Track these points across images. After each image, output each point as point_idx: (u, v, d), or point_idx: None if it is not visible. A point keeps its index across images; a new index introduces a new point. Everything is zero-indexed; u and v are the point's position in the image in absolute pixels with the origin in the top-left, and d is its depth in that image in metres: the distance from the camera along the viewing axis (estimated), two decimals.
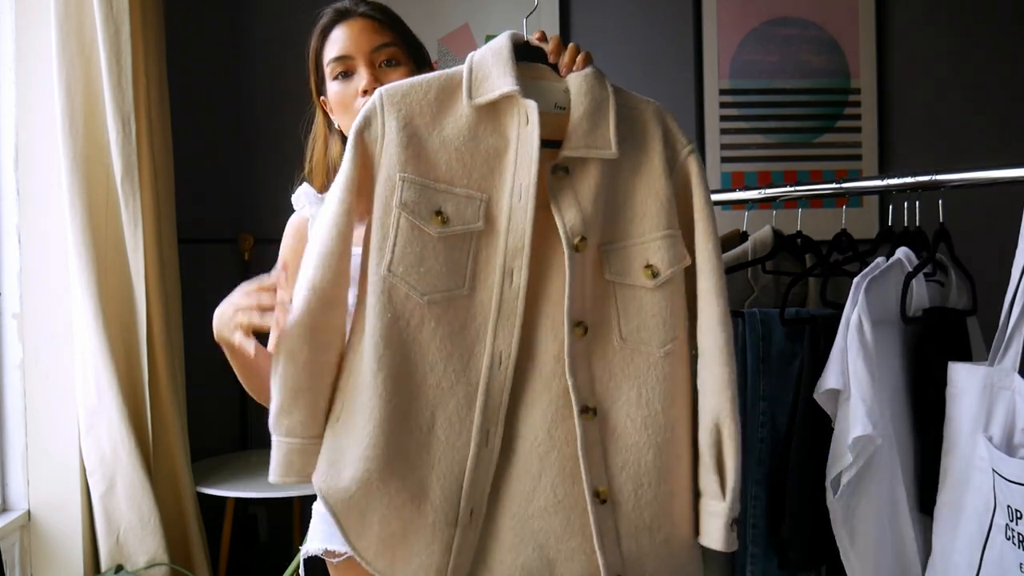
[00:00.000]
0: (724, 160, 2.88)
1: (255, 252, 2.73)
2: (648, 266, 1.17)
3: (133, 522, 2.07)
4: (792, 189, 1.64)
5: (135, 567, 2.07)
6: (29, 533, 2.08)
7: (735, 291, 1.65)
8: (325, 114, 1.44)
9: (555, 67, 1.21)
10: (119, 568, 2.04)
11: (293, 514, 2.54)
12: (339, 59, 1.37)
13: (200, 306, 2.37)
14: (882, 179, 1.40)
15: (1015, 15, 2.93)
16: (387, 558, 1.14)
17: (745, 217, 1.86)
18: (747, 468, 1.50)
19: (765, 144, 2.90)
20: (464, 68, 1.18)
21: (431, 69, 1.43)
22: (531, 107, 1.12)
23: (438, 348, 1.13)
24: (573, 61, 1.19)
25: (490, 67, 1.16)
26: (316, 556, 1.33)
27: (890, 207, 1.58)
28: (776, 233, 1.70)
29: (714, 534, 1.16)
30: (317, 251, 1.15)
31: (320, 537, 1.33)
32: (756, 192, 1.74)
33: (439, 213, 1.13)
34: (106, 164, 2.09)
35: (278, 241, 1.46)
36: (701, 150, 2.87)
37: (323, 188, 1.44)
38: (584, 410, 1.14)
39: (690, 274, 1.20)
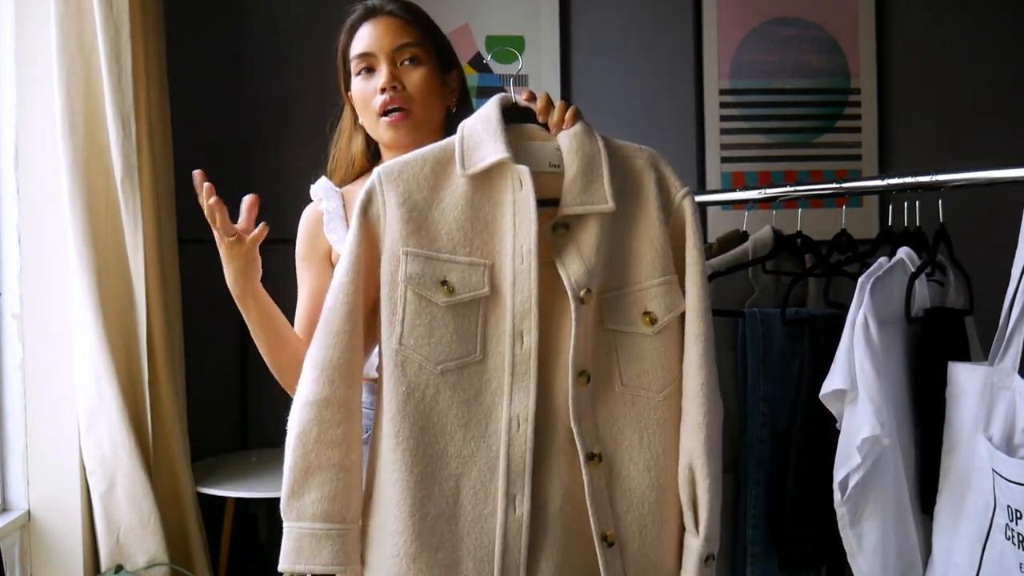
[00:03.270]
0: (724, 160, 2.88)
1: None
2: (647, 313, 1.18)
3: (133, 522, 2.07)
4: (792, 189, 1.64)
5: (135, 567, 2.07)
6: (29, 533, 2.08)
7: (735, 291, 1.65)
8: (352, 109, 1.46)
9: (546, 125, 1.21)
10: (119, 568, 2.04)
11: None
12: (362, 56, 1.39)
13: (200, 306, 2.39)
14: (882, 179, 1.40)
15: (1015, 15, 2.93)
16: None
17: (745, 217, 1.86)
18: (747, 468, 1.50)
19: (765, 144, 2.90)
20: (456, 139, 1.18)
21: (456, 70, 1.44)
22: (524, 172, 1.14)
23: (456, 416, 1.15)
24: (562, 120, 1.20)
25: (480, 135, 1.17)
26: None
27: (890, 207, 1.58)
28: (776, 233, 1.70)
29: (689, 568, 1.19)
30: (325, 330, 1.16)
31: None
32: (756, 192, 1.74)
33: (444, 283, 1.14)
34: (106, 164, 2.08)
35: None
36: (701, 150, 2.87)
37: (342, 182, 1.46)
38: (590, 457, 1.15)
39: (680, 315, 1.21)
